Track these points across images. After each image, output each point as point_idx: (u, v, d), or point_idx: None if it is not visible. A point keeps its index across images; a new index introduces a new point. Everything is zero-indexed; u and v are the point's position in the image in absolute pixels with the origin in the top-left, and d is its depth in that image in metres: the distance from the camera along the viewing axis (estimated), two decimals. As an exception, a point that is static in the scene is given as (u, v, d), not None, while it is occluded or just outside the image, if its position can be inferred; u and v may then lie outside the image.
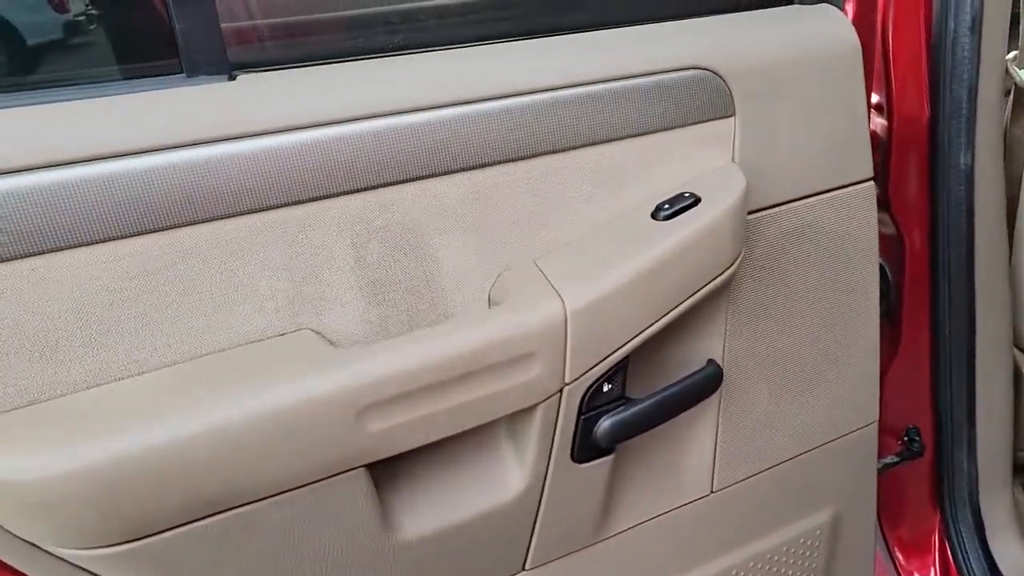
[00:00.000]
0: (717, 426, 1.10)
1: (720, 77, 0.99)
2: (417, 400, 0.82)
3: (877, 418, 1.24)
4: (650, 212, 0.96)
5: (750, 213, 1.04)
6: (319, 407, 0.77)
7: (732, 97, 1.00)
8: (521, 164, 0.91)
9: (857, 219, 1.12)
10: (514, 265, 0.93)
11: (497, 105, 0.88)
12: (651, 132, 0.97)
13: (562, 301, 0.87)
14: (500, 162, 0.89)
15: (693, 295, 0.95)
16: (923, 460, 1.44)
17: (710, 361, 1.05)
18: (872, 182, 1.12)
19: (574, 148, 0.93)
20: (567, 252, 0.94)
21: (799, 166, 1.06)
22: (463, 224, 0.89)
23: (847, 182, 1.10)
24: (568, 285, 0.88)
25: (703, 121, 0.99)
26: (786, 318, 1.11)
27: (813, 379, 1.16)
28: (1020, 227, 1.43)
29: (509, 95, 0.89)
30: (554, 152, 0.92)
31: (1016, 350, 1.46)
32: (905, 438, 1.43)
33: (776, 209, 1.06)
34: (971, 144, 1.21)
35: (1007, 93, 1.46)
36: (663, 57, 0.97)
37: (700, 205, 0.96)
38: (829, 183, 1.09)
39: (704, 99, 0.98)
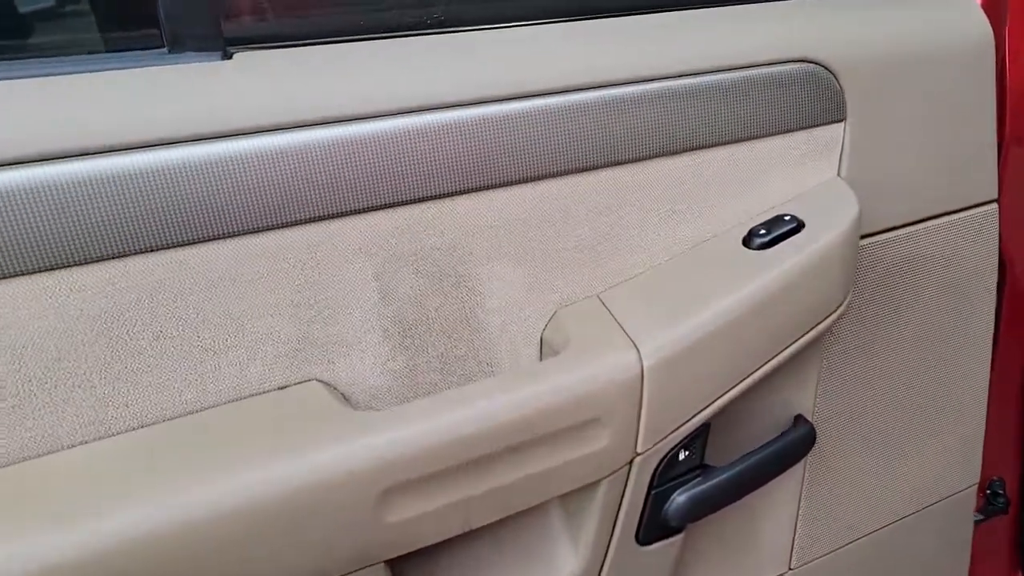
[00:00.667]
0: (801, 492, 0.92)
1: (831, 73, 0.80)
2: (452, 480, 0.64)
3: (978, 479, 1.07)
4: (742, 238, 0.78)
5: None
6: (328, 489, 0.59)
7: (844, 98, 0.81)
8: (586, 176, 0.72)
9: (977, 248, 0.93)
10: (575, 301, 0.75)
11: (559, 102, 0.69)
12: (745, 139, 0.78)
13: (637, 352, 0.69)
14: (561, 174, 0.71)
15: (792, 344, 0.77)
16: (1006, 517, 1.26)
17: (799, 418, 0.87)
18: (996, 204, 0.93)
19: (651, 157, 0.74)
20: (641, 287, 0.76)
21: (915, 184, 0.87)
22: (513, 249, 0.71)
23: (969, 204, 0.91)
24: (644, 331, 0.70)
25: (808, 127, 0.81)
26: (888, 364, 0.93)
27: (916, 436, 0.98)
28: None
29: (574, 89, 0.70)
30: (627, 162, 0.73)
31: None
32: (988, 491, 1.25)
33: (885, 235, 0.88)
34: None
35: None
36: (763, 46, 0.78)
37: (804, 231, 0.77)
38: (948, 204, 0.90)
39: (811, 99, 0.80)
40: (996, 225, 0.94)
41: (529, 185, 0.69)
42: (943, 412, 0.99)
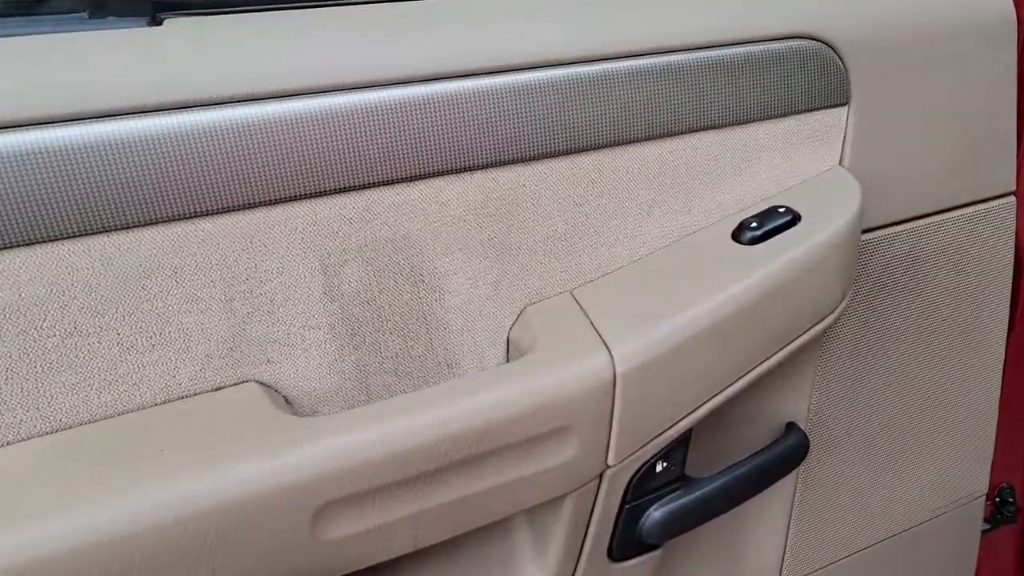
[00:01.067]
0: (792, 505, 0.86)
1: (835, 51, 0.73)
2: (400, 494, 0.58)
3: (987, 489, 1.00)
4: (731, 231, 0.72)
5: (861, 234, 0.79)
6: (258, 503, 0.53)
7: (848, 79, 0.74)
8: (559, 162, 0.66)
9: (991, 244, 0.86)
10: (546, 297, 0.69)
11: (529, 78, 0.63)
12: (736, 123, 0.71)
13: (610, 356, 0.62)
14: (531, 159, 0.64)
15: (784, 347, 0.71)
16: (1014, 526, 1.19)
17: (791, 427, 0.80)
18: (1013, 197, 0.86)
19: (632, 142, 0.68)
20: (618, 283, 0.69)
21: (925, 174, 0.80)
22: (477, 241, 0.65)
23: (984, 196, 0.84)
24: (619, 332, 0.64)
25: (807, 110, 0.74)
26: (891, 368, 0.86)
27: (919, 445, 0.92)
28: None
29: (545, 65, 0.64)
30: (605, 147, 0.67)
31: None
32: (996, 499, 1.18)
33: (891, 229, 0.81)
34: None
35: None
36: (757, 20, 0.71)
37: (800, 224, 0.71)
38: (961, 197, 0.83)
39: (811, 80, 0.73)
40: (1013, 219, 0.87)
41: (487, 172, 0.63)
42: (950, 418, 0.93)
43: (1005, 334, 0.93)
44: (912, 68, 0.76)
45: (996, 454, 1.13)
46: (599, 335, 0.64)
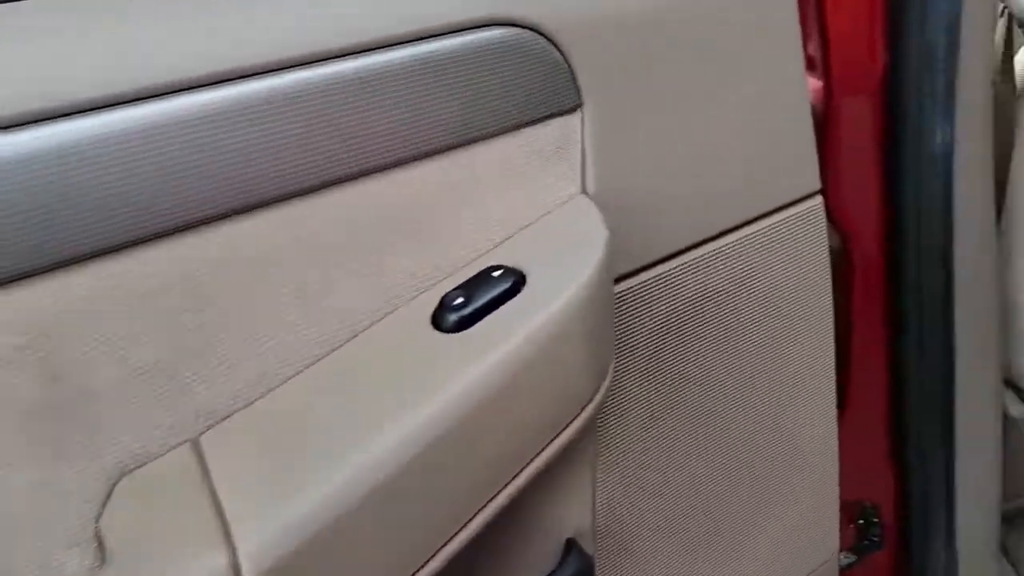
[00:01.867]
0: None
1: (550, 40, 0.52)
2: None
3: (838, 546, 0.83)
4: (431, 314, 0.50)
5: (620, 280, 0.59)
6: None
7: (574, 75, 0.53)
8: (125, 260, 0.43)
9: (798, 261, 0.69)
10: (151, 458, 0.46)
11: (113, 120, 0.40)
12: (417, 158, 0.50)
13: (233, 556, 0.40)
14: (119, 247, 0.41)
15: (527, 467, 0.50)
16: (881, 552, 1.04)
17: (571, 545, 0.60)
18: (820, 196, 0.68)
19: (252, 209, 0.45)
20: (259, 422, 0.47)
21: (697, 189, 0.61)
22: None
23: (778, 204, 0.66)
24: (251, 509, 0.42)
25: (524, 125, 0.53)
26: (693, 438, 0.67)
27: (747, 518, 0.74)
28: (1011, 224, 1.02)
29: (141, 97, 0.41)
30: (199, 224, 0.44)
31: (1007, 389, 1.07)
32: (860, 521, 1.02)
33: (663, 266, 0.61)
34: (950, 109, 0.79)
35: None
36: (435, 6, 0.50)
37: (525, 289, 0.50)
38: (749, 211, 0.65)
39: (524, 82, 0.52)
40: (823, 226, 0.69)
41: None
42: (779, 482, 0.75)
43: (834, 362, 0.75)
44: (659, 54, 0.56)
45: (853, 467, 0.97)
46: (222, 517, 0.42)
